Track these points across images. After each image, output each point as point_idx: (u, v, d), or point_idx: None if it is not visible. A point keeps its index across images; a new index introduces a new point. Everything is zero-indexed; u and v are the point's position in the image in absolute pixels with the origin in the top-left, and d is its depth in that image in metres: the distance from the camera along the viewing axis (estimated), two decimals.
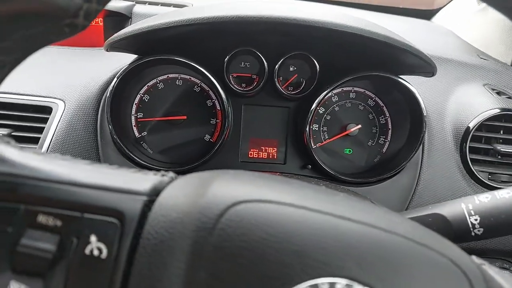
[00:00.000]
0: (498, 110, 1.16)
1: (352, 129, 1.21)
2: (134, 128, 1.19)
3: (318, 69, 1.15)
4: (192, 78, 1.20)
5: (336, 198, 0.43)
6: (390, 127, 1.24)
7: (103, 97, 1.12)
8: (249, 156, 1.24)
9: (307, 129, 1.14)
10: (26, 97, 1.07)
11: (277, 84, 1.17)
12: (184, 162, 1.16)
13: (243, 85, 1.21)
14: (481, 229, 0.65)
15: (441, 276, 0.36)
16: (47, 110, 1.06)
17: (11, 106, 1.05)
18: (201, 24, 0.89)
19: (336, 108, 1.24)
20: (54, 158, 0.43)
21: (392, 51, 1.00)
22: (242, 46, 1.13)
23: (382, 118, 1.24)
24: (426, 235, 0.41)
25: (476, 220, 0.65)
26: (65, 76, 1.17)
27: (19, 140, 1.03)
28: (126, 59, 1.11)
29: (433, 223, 0.69)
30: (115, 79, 1.05)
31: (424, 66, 1.03)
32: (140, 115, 1.19)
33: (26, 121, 1.05)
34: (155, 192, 0.41)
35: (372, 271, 0.34)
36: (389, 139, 1.24)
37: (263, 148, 1.24)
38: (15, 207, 0.37)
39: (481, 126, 1.17)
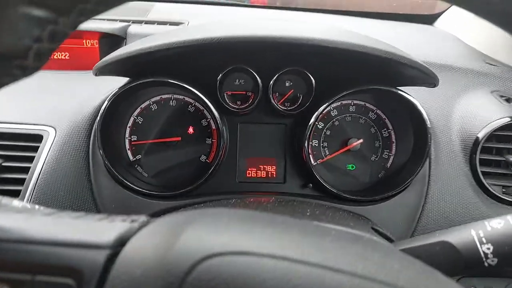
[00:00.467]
0: (509, 119, 1.09)
1: (354, 144, 1.16)
2: (128, 152, 1.16)
3: (314, 84, 1.11)
4: (186, 98, 1.16)
5: (325, 241, 0.38)
6: (394, 140, 1.19)
7: (96, 121, 1.09)
8: (247, 175, 1.19)
9: (306, 145, 1.09)
10: (16, 126, 1.04)
11: (273, 100, 1.13)
12: (180, 185, 1.12)
13: (238, 102, 1.17)
14: (495, 259, 0.59)
15: None
16: (38, 138, 1.03)
17: (1, 135, 1.03)
18: (187, 47, 0.86)
19: (336, 123, 1.19)
20: (5, 210, 0.39)
21: (390, 64, 0.96)
22: (234, 64, 1.09)
23: (385, 131, 1.19)
24: (430, 283, 0.36)
25: (488, 249, 0.59)
26: (57, 102, 1.15)
27: (10, 170, 1.01)
28: (120, 81, 1.08)
29: (441, 253, 0.63)
30: (105, 102, 1.02)
31: (425, 78, 0.98)
32: (134, 137, 1.16)
33: (17, 150, 1.02)
34: (120, 243, 0.36)
35: None
36: (393, 153, 1.19)
37: (261, 167, 1.20)
38: None
39: (491, 136, 1.10)
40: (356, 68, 1.09)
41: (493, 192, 1.08)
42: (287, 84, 1.17)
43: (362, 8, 2.06)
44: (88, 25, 1.41)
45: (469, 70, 1.33)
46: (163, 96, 1.16)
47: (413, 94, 1.08)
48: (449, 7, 1.86)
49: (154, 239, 0.36)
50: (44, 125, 1.06)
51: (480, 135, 1.09)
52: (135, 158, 1.16)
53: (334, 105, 1.18)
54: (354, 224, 0.75)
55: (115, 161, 1.07)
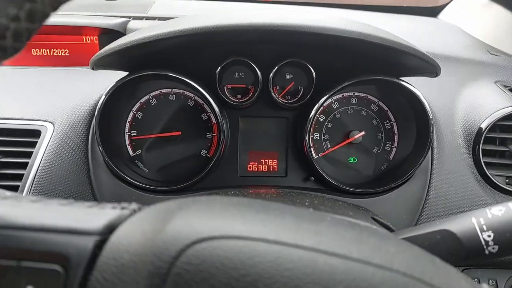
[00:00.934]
0: None
1: (356, 136, 1.15)
2: (128, 147, 1.15)
3: (314, 76, 1.10)
4: (186, 92, 1.16)
5: (320, 226, 0.38)
6: (396, 132, 1.17)
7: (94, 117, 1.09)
8: (249, 170, 1.19)
9: (307, 138, 1.09)
10: (14, 121, 1.04)
11: (273, 93, 1.12)
12: (180, 180, 1.11)
13: (239, 96, 1.17)
14: (496, 247, 0.58)
15: None
16: (36, 133, 1.03)
17: None
18: (183, 36, 0.85)
19: (338, 115, 1.18)
20: None
21: (391, 53, 0.94)
22: (233, 56, 1.08)
23: (387, 123, 1.18)
24: (426, 267, 0.35)
25: (489, 236, 0.58)
26: (56, 97, 1.15)
27: (8, 166, 1.01)
28: (119, 76, 1.08)
29: (442, 241, 0.62)
30: (103, 97, 1.02)
31: (427, 66, 0.96)
32: (134, 133, 1.16)
33: (15, 146, 1.02)
34: (109, 230, 0.36)
35: None
36: (396, 145, 1.17)
37: (263, 161, 1.19)
38: None
39: (494, 127, 1.09)
40: (356, 59, 1.08)
41: (497, 182, 1.06)
42: (287, 77, 1.16)
43: (365, 2, 2.05)
44: (87, 21, 1.41)
45: (472, 60, 1.31)
46: (163, 91, 1.15)
47: (416, 85, 1.07)
48: None
49: (143, 224, 0.36)
50: (42, 120, 1.06)
51: (483, 125, 1.08)
52: (135, 153, 1.16)
53: (335, 97, 1.17)
54: (354, 214, 0.74)
55: (115, 156, 1.07)
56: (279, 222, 0.37)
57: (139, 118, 1.15)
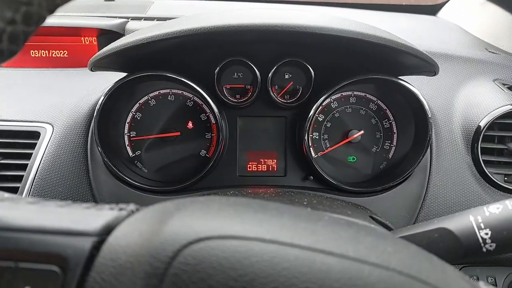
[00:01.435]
0: (511, 107, 1.08)
1: (355, 136, 1.15)
2: (128, 148, 1.16)
3: (313, 75, 1.10)
4: (184, 93, 1.16)
5: (317, 226, 0.38)
6: (395, 131, 1.17)
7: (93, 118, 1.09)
8: (248, 169, 1.19)
9: (306, 137, 1.09)
10: (14, 123, 1.05)
11: (272, 93, 1.12)
12: (180, 180, 1.12)
13: (238, 96, 1.17)
14: (493, 244, 0.58)
15: None
16: (35, 135, 1.04)
17: None
18: (181, 37, 0.85)
19: (336, 115, 1.18)
20: None
21: (389, 52, 0.94)
22: (231, 57, 1.08)
23: (386, 122, 1.18)
24: (423, 266, 0.35)
25: (487, 234, 0.58)
26: (55, 99, 1.15)
27: (8, 167, 1.01)
28: (118, 77, 1.08)
29: (439, 239, 0.62)
30: (102, 98, 1.02)
31: (425, 65, 0.96)
32: (133, 133, 1.16)
33: (14, 147, 1.03)
34: (107, 231, 0.36)
35: None
36: (394, 144, 1.18)
37: (262, 160, 1.19)
38: None
39: (493, 125, 1.09)
40: (355, 58, 1.08)
41: (495, 180, 1.07)
42: (286, 77, 1.16)
43: (365, 0, 2.05)
44: (86, 22, 1.41)
45: (471, 58, 1.31)
46: (162, 91, 1.16)
47: (414, 84, 1.07)
48: None
49: (141, 225, 0.36)
50: (41, 122, 1.06)
51: (482, 123, 1.08)
52: (134, 154, 1.16)
53: (334, 96, 1.17)
54: (352, 213, 0.74)
55: (114, 157, 1.07)
56: (276, 222, 0.37)
57: (138, 118, 1.16)
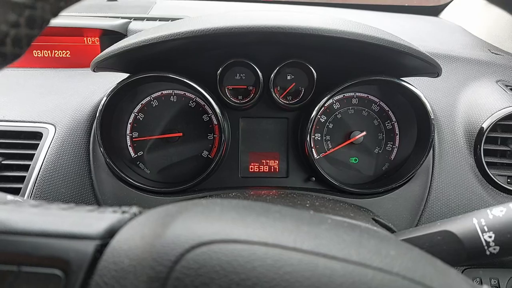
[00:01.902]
0: None
1: (357, 137, 1.15)
2: (130, 148, 1.16)
3: (315, 77, 1.10)
4: (187, 94, 1.16)
5: (320, 229, 0.38)
6: (397, 132, 1.17)
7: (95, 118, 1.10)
8: (250, 170, 1.19)
9: (308, 138, 1.09)
10: (16, 124, 1.05)
11: (274, 94, 1.12)
12: (182, 181, 1.12)
13: (240, 97, 1.17)
14: (497, 247, 0.58)
15: None
16: (38, 135, 1.04)
17: (1, 134, 1.03)
18: (184, 38, 0.85)
19: (339, 116, 1.18)
20: None
21: (392, 54, 0.94)
22: (234, 58, 1.08)
23: (388, 123, 1.17)
24: (427, 270, 0.35)
25: (490, 237, 0.58)
26: (58, 99, 1.15)
27: (10, 168, 1.01)
28: (120, 78, 1.08)
29: (442, 242, 0.62)
30: (104, 98, 1.02)
31: (427, 67, 0.96)
32: (135, 134, 1.16)
33: (17, 148, 1.03)
34: (110, 234, 0.36)
35: None
36: (397, 145, 1.17)
37: (264, 161, 1.19)
38: None
39: (496, 126, 1.09)
40: (357, 59, 1.07)
41: (498, 182, 1.06)
42: (288, 78, 1.16)
43: (367, 1, 2.05)
44: (89, 22, 1.41)
45: (474, 60, 1.31)
46: (164, 92, 1.16)
47: (417, 85, 1.07)
48: None
49: (144, 228, 0.36)
50: (44, 123, 1.06)
51: (485, 125, 1.08)
52: (136, 155, 1.16)
53: (336, 98, 1.17)
54: (355, 215, 0.74)
55: (116, 158, 1.07)
56: (279, 225, 0.37)
57: (141, 119, 1.16)
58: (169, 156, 1.17)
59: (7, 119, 1.06)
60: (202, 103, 1.16)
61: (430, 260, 0.38)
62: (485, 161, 1.07)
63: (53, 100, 1.14)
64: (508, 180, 1.08)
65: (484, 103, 1.13)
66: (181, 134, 1.15)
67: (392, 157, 1.18)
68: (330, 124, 1.18)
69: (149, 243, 0.34)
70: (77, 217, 0.38)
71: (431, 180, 1.08)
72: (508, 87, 1.19)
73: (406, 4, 2.03)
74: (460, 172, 1.08)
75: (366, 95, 1.17)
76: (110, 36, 1.45)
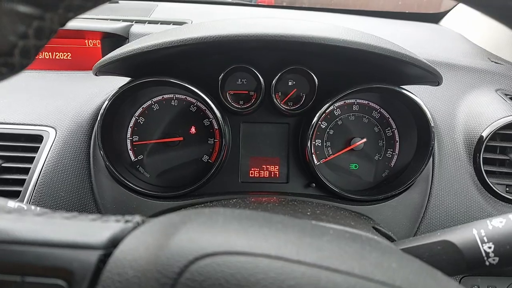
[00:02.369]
0: None
1: (357, 143, 1.15)
2: (130, 152, 1.16)
3: (317, 83, 1.10)
4: (188, 98, 1.16)
5: (322, 241, 0.38)
6: (397, 139, 1.18)
7: (96, 122, 1.09)
8: (250, 175, 1.19)
9: (309, 144, 1.09)
10: (17, 126, 1.04)
11: (275, 100, 1.12)
12: (182, 185, 1.12)
13: (241, 102, 1.17)
14: (496, 258, 0.58)
15: None
16: (38, 138, 1.03)
17: (1, 136, 1.03)
18: (187, 45, 0.85)
19: (339, 122, 1.18)
20: None
21: (394, 62, 0.95)
22: (236, 63, 1.09)
23: (388, 130, 1.18)
24: (428, 282, 0.35)
25: (490, 248, 0.58)
26: (58, 102, 1.15)
27: (10, 171, 1.01)
28: (122, 81, 1.08)
29: (442, 252, 0.63)
30: (106, 102, 1.02)
31: (428, 76, 0.97)
32: (135, 138, 1.16)
33: (17, 151, 1.03)
34: (113, 244, 0.36)
35: None
36: (397, 152, 1.18)
37: (264, 166, 1.19)
38: None
39: (495, 135, 1.09)
40: (358, 67, 1.08)
41: (497, 191, 1.07)
42: (289, 84, 1.17)
43: (368, 7, 2.06)
44: (90, 25, 1.41)
45: (473, 68, 1.31)
46: (165, 96, 1.16)
47: (417, 93, 1.07)
48: (455, 6, 1.84)
49: (147, 239, 0.36)
50: (45, 126, 1.06)
51: (484, 134, 1.08)
52: (136, 159, 1.16)
53: (337, 104, 1.17)
54: (355, 224, 0.74)
55: (116, 161, 1.07)
56: (281, 237, 0.37)
57: (141, 123, 1.16)
58: (169, 160, 1.17)
59: (8, 121, 1.05)
60: (203, 107, 1.16)
61: (431, 272, 0.38)
62: (484, 170, 1.08)
63: (54, 103, 1.14)
64: (507, 189, 1.08)
65: (483, 111, 1.14)
66: (181, 138, 1.15)
67: (392, 164, 1.18)
68: (330, 130, 1.18)
69: (153, 254, 0.34)
70: (80, 227, 0.38)
71: (430, 188, 1.08)
72: (508, 96, 1.20)
73: (407, 11, 2.05)
74: (460, 180, 1.08)
75: (366, 102, 1.18)
76: (111, 38, 1.46)
